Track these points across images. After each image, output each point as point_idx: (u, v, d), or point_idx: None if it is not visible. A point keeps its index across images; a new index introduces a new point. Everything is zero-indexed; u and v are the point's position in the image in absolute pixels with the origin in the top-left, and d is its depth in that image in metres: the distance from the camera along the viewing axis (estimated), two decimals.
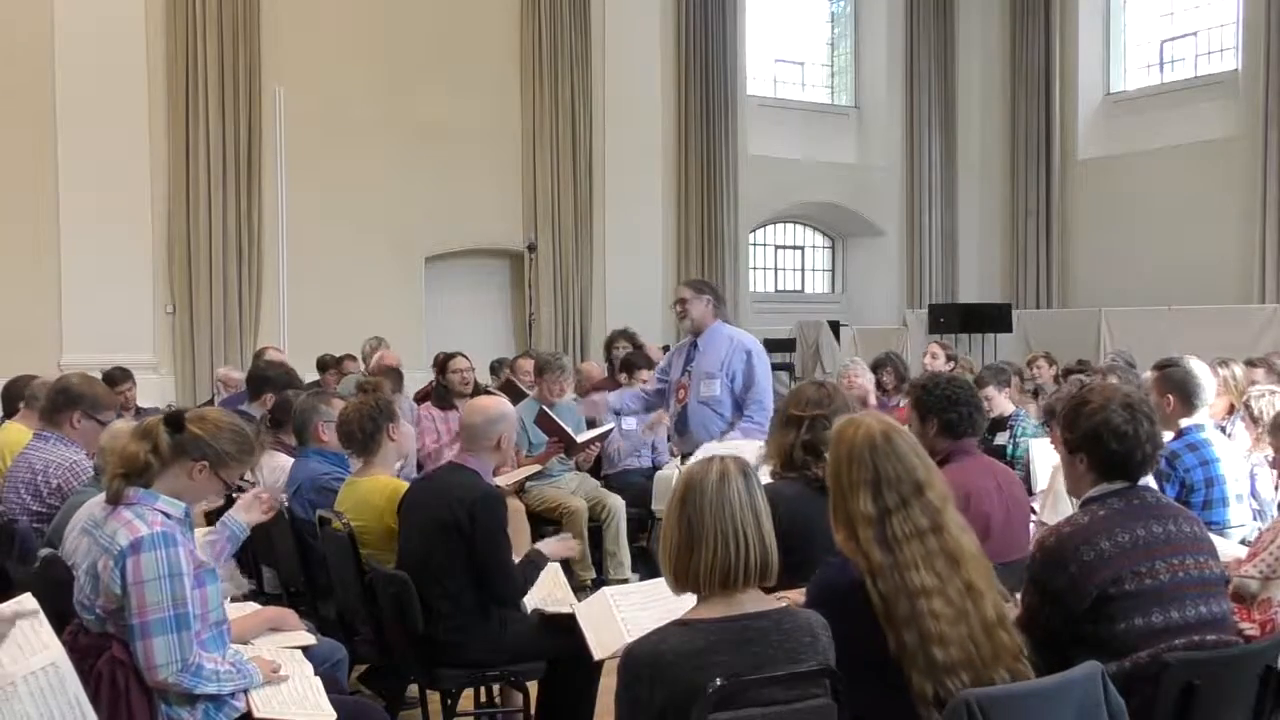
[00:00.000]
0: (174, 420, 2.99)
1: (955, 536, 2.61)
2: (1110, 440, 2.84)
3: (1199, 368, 4.45)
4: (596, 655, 3.51)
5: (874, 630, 2.53)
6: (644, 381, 7.57)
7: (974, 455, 3.95)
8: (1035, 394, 7.72)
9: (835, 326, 14.68)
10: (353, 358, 8.76)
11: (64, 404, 4.50)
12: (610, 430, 7.03)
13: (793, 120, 15.55)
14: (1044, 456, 5.27)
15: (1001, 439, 5.95)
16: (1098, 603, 2.70)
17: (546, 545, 4.15)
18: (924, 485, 2.62)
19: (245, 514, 3.57)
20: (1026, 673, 2.55)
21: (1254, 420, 4.90)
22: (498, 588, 3.81)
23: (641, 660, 2.40)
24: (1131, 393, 3.02)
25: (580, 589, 4.93)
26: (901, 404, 6.39)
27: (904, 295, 16.00)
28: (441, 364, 7.54)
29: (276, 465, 5.19)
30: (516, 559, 4.07)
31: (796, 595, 3.01)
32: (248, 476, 4.94)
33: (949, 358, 7.97)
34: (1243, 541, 4.02)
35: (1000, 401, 6.09)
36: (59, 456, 4.31)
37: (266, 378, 6.66)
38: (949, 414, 3.83)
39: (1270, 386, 5.42)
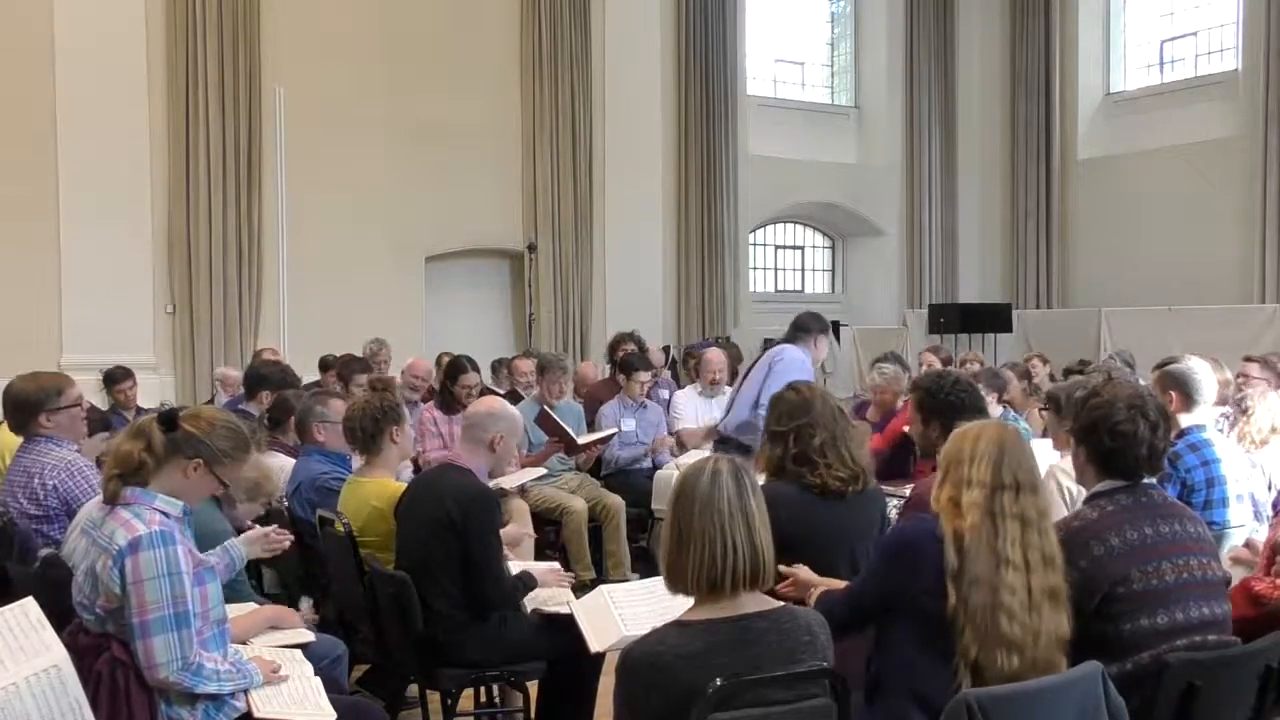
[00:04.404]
0: (168, 418, 2.98)
1: (1054, 542, 2.69)
2: (1105, 436, 2.85)
3: (1200, 366, 4.44)
4: (594, 647, 3.51)
5: (935, 587, 2.62)
6: (643, 384, 7.57)
7: None
8: (1034, 392, 7.71)
9: (835, 326, 14.69)
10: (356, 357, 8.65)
11: (26, 412, 4.36)
12: (613, 435, 7.03)
13: (793, 120, 15.54)
14: (1043, 457, 5.24)
15: None
16: (1104, 601, 2.70)
17: (538, 569, 4.13)
18: (1039, 487, 2.73)
19: (247, 546, 3.60)
20: None
21: (1243, 412, 4.90)
22: (487, 590, 3.79)
23: (640, 662, 2.40)
24: (1144, 394, 3.01)
25: (580, 589, 4.93)
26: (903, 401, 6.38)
27: (904, 295, 15.99)
28: (449, 371, 7.48)
29: (276, 465, 5.18)
30: (517, 559, 4.07)
31: (835, 583, 3.05)
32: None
33: (944, 362, 7.96)
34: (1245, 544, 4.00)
35: (989, 406, 6.04)
36: (52, 457, 4.28)
37: (262, 376, 6.65)
38: (952, 421, 3.78)
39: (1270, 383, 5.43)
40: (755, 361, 6.15)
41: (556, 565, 4.42)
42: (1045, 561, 2.64)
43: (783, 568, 3.19)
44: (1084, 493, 3.06)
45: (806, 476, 3.50)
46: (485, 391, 7.38)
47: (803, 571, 3.24)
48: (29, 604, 2.80)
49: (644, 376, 7.59)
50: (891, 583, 2.72)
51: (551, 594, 4.07)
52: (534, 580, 4.00)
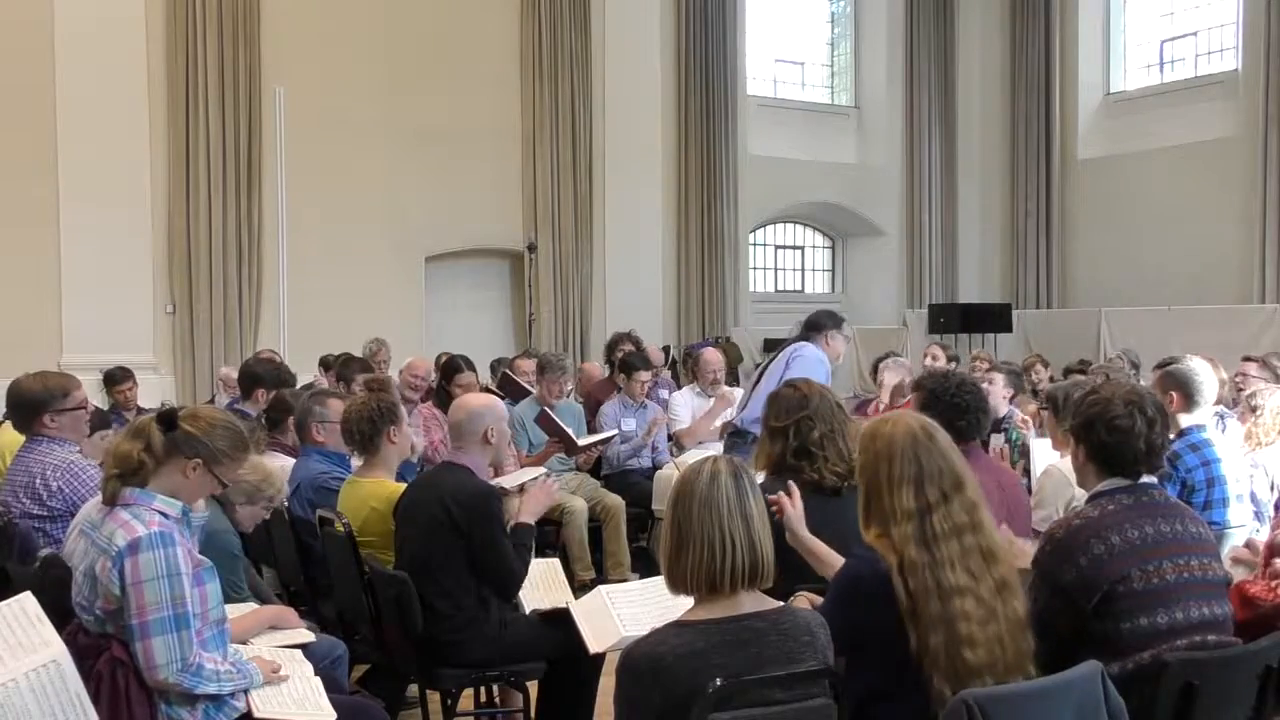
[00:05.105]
0: (167, 418, 2.98)
1: (990, 534, 2.62)
2: (1102, 430, 2.84)
3: (1202, 367, 4.44)
4: (592, 648, 3.52)
5: (894, 625, 2.53)
6: (643, 383, 7.57)
7: (977, 455, 3.93)
8: (1035, 395, 7.71)
9: None
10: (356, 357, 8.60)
11: (30, 411, 4.35)
12: (613, 436, 7.03)
13: (793, 120, 15.54)
14: (1044, 457, 5.26)
15: (996, 441, 5.93)
16: (1104, 599, 2.70)
17: (527, 508, 4.00)
18: (963, 481, 2.63)
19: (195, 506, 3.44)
20: (1033, 677, 2.55)
21: (1251, 410, 4.91)
22: (500, 583, 3.80)
23: (640, 662, 2.39)
24: (1142, 391, 3.01)
25: (580, 589, 4.93)
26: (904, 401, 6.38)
27: (904, 295, 16.00)
28: (445, 370, 7.49)
29: (276, 466, 5.18)
30: (510, 477, 4.04)
31: (813, 597, 3.02)
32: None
33: (950, 359, 7.95)
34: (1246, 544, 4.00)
35: (998, 402, 6.06)
36: (55, 457, 4.28)
37: (257, 375, 6.63)
38: (958, 421, 3.73)
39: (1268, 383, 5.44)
40: (773, 358, 6.14)
41: (556, 565, 4.40)
42: (987, 558, 2.57)
43: (771, 497, 3.16)
44: (1079, 499, 3.05)
45: (805, 471, 3.51)
46: (484, 390, 7.38)
47: (792, 514, 3.21)
48: (26, 599, 2.80)
49: (644, 376, 7.59)
50: (848, 625, 2.60)
51: (550, 593, 4.07)
52: (529, 529, 3.94)
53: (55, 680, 2.63)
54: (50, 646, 2.68)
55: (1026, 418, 5.73)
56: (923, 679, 2.50)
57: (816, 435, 3.54)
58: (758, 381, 6.07)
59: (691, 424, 7.49)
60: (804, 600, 3.09)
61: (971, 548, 2.57)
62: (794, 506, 3.23)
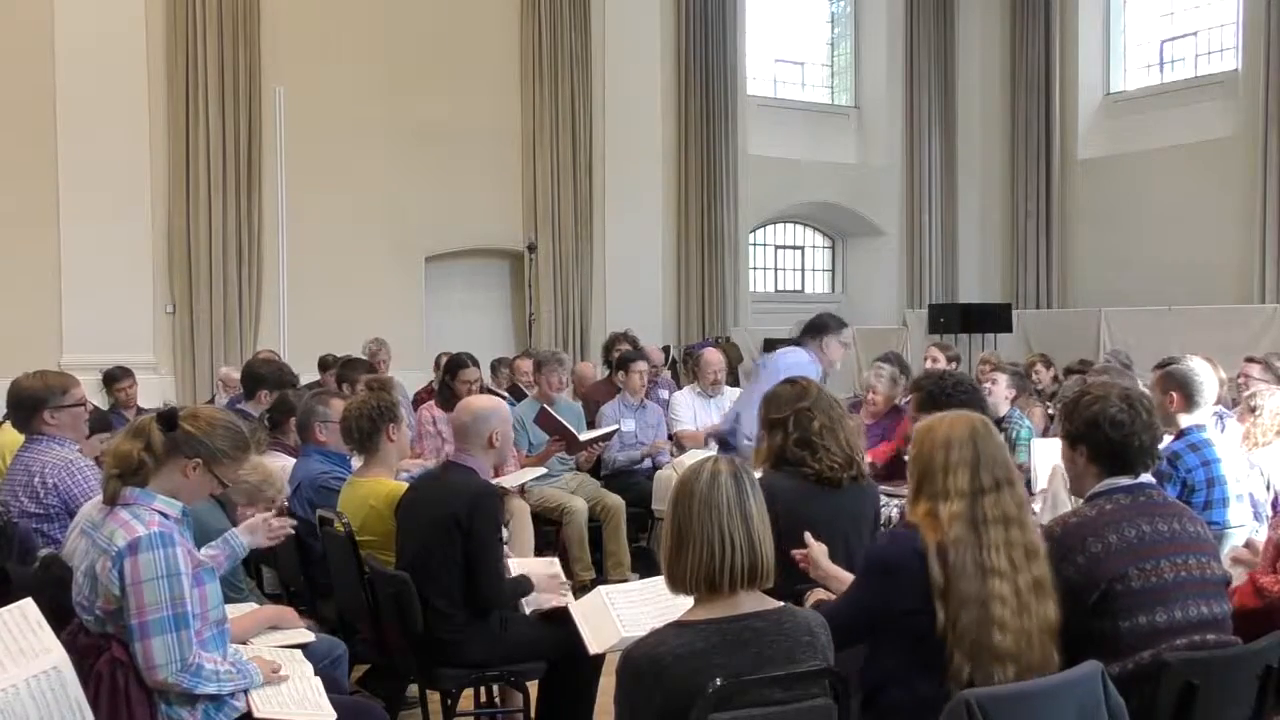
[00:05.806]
0: (167, 418, 2.98)
1: (1033, 534, 2.69)
2: (1107, 427, 2.86)
3: (1202, 367, 4.44)
4: (592, 649, 3.52)
5: (918, 603, 2.58)
6: (642, 374, 7.56)
7: None
8: (1038, 394, 7.72)
9: None
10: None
11: (29, 409, 4.36)
12: (614, 431, 7.02)
13: (793, 120, 15.54)
14: (1044, 457, 5.25)
15: None
16: (1103, 598, 2.71)
17: (537, 574, 4.08)
18: (1015, 478, 2.72)
19: (249, 535, 3.59)
20: None
21: (1250, 410, 4.91)
22: (483, 587, 3.78)
23: (641, 662, 2.39)
24: (1130, 388, 3.05)
25: (580, 589, 4.93)
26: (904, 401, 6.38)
27: (904, 295, 15.99)
28: (449, 368, 7.47)
29: (278, 466, 5.18)
30: (518, 560, 4.05)
31: (826, 594, 3.03)
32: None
33: (950, 359, 7.94)
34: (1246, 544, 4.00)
35: (1000, 402, 6.05)
36: (54, 456, 4.28)
37: (260, 376, 6.62)
38: None
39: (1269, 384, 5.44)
40: (766, 360, 6.12)
41: (555, 565, 4.39)
42: (1029, 555, 2.64)
43: (797, 552, 3.20)
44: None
45: (807, 461, 3.52)
46: (485, 390, 7.38)
47: (816, 549, 3.23)
48: (28, 605, 2.80)
49: (641, 366, 7.57)
50: (876, 603, 2.69)
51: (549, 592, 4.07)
52: (530, 585, 4.00)
53: (56, 687, 2.63)
54: (51, 653, 2.68)
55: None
56: (938, 662, 2.54)
57: (817, 426, 3.55)
58: (749, 390, 6.05)
59: (696, 431, 7.45)
60: (817, 596, 3.11)
61: (1016, 540, 2.64)
62: (814, 556, 3.24)
